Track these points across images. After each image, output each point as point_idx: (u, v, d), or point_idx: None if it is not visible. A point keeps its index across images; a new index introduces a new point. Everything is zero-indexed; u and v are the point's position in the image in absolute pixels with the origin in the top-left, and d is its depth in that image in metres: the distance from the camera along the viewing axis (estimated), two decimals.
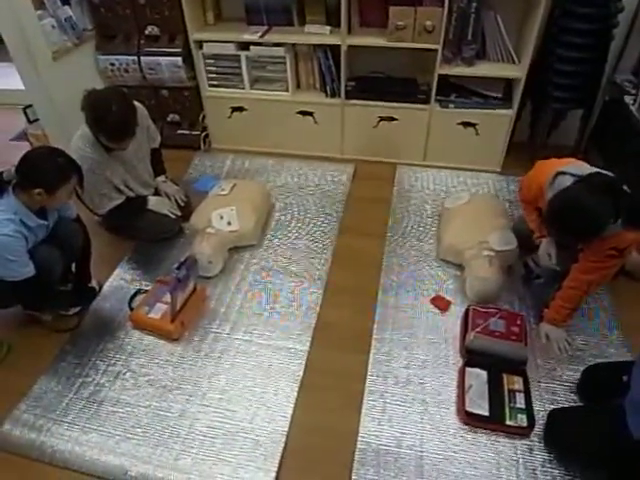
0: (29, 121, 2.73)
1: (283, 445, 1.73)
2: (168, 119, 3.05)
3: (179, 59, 2.74)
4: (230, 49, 2.74)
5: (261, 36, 2.66)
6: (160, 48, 2.75)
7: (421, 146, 2.91)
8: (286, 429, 1.77)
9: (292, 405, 1.84)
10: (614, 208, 1.63)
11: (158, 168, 2.55)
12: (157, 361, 2.00)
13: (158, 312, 2.09)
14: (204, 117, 3.04)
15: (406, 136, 2.88)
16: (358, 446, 1.72)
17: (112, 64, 2.80)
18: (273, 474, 1.65)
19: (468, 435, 1.74)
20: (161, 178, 2.55)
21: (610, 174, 1.76)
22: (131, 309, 2.16)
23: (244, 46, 2.74)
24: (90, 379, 1.95)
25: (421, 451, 1.70)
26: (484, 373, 1.87)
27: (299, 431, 1.78)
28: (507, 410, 1.76)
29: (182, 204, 2.54)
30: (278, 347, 2.03)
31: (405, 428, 1.77)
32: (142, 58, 2.76)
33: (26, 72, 2.56)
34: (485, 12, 2.53)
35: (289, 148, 3.08)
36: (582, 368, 1.89)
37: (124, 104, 2.06)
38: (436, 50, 2.54)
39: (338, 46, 2.63)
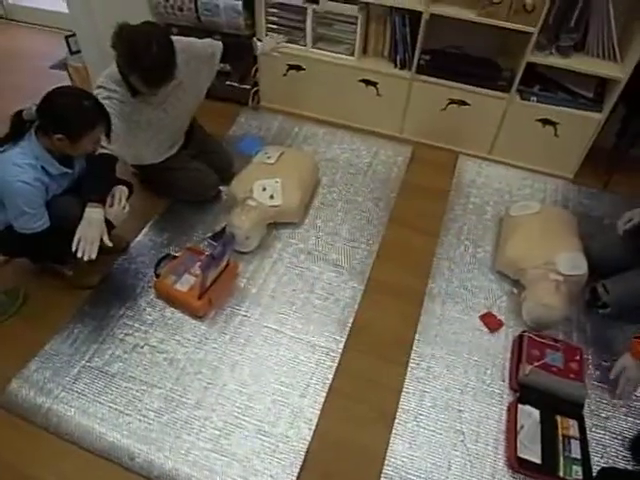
0: (70, 52, 2.51)
1: (304, 456, 1.59)
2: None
3: (239, 3, 2.46)
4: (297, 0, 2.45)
5: None
6: None
7: (490, 138, 2.63)
8: (309, 438, 1.63)
9: (318, 412, 1.69)
10: None
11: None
12: (178, 338, 1.86)
13: (185, 284, 1.93)
14: (257, 71, 2.78)
15: (476, 124, 2.59)
16: (384, 470, 1.57)
17: (166, 0, 2.54)
18: None
19: (504, 478, 1.58)
20: None
21: None
22: (157, 276, 2.00)
23: None
24: (106, 346, 1.82)
25: None
26: (536, 412, 1.67)
27: (322, 442, 1.63)
28: (561, 459, 1.57)
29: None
30: (310, 343, 1.86)
31: (437, 458, 1.61)
32: None
33: None
34: None
35: (345, 118, 2.81)
36: None
37: (165, 43, 1.77)
38: (531, 34, 2.22)
39: (419, 12, 2.32)
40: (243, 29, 2.58)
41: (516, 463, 1.58)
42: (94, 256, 1.68)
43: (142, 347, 1.83)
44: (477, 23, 2.28)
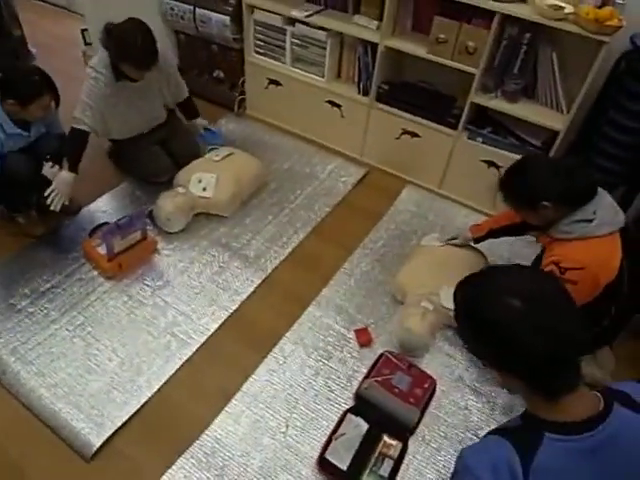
0: (85, 43, 2.94)
1: (138, 406, 1.78)
2: (214, 74, 3.11)
3: (227, 18, 2.76)
4: (277, 21, 2.71)
5: (308, 15, 2.59)
6: (214, 4, 2.80)
7: (439, 172, 2.69)
8: (149, 394, 1.82)
9: (168, 376, 1.88)
10: (562, 187, 1.57)
11: (191, 112, 2.68)
12: (82, 290, 2.13)
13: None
14: (244, 81, 3.06)
15: (425, 157, 2.68)
16: (201, 437, 1.73)
17: (172, 9, 2.90)
18: (111, 430, 1.71)
19: (309, 476, 1.66)
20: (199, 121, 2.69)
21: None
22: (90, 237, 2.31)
23: (293, 21, 2.69)
24: (24, 286, 2.13)
25: (253, 470, 1.66)
26: (365, 426, 1.74)
27: (161, 401, 1.82)
28: (366, 473, 1.64)
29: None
30: (190, 319, 2.06)
31: (254, 440, 1.73)
32: (197, 9, 2.82)
33: None
34: (542, 46, 2.23)
35: (312, 134, 3.01)
36: None
37: (148, 34, 2.15)
38: (473, 75, 2.30)
39: (376, 44, 2.48)
40: (231, 42, 2.88)
41: (319, 463, 1.66)
42: (58, 208, 2.14)
43: (51, 291, 2.13)
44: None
